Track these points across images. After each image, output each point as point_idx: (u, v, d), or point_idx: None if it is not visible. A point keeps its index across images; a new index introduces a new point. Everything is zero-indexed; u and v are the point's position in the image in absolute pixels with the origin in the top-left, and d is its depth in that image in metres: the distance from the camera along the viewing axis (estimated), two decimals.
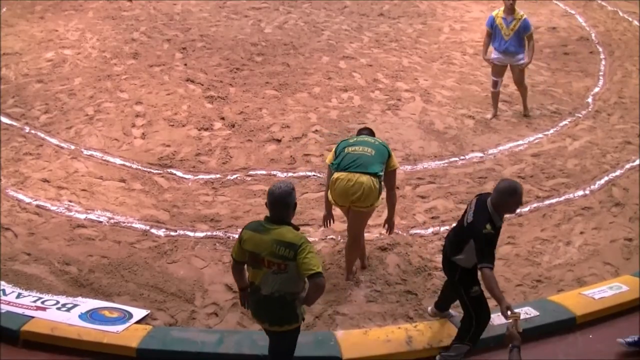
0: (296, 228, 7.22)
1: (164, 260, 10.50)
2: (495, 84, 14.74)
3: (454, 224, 9.27)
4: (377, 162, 9.70)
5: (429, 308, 9.66)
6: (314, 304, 7.68)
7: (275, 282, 7.12)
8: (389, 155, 9.90)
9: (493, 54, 14.47)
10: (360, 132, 10.49)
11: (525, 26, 14.18)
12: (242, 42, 17.90)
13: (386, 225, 10.29)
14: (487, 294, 8.17)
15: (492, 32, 14.34)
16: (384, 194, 9.86)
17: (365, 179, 9.48)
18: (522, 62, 14.35)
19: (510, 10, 14.08)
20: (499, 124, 14.52)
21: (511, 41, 14.10)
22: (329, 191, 9.83)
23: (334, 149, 10.04)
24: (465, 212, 8.43)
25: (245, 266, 7.47)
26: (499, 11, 14.29)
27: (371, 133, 10.44)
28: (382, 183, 9.73)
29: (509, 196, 8.10)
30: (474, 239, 8.05)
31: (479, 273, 8.06)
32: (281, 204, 7.18)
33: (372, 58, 17.35)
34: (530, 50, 14.32)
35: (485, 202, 8.20)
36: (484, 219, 8.05)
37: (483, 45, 14.77)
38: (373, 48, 18.00)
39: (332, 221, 10.36)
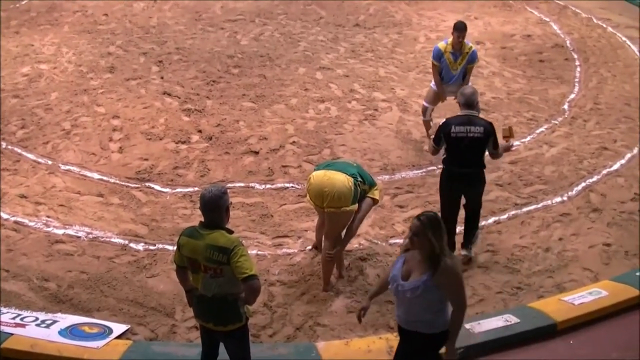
0: (229, 232, 7.21)
1: (144, 274, 10.47)
2: (425, 111, 13.98)
3: None
4: (356, 171, 9.81)
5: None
6: (255, 303, 7.65)
7: (214, 285, 7.13)
8: (371, 185, 10.07)
9: (437, 84, 13.80)
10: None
11: (472, 59, 13.63)
12: (219, 55, 17.90)
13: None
14: None
15: (439, 65, 13.63)
16: None
17: (340, 176, 9.59)
18: None
19: (458, 46, 13.43)
20: None
21: (460, 74, 13.59)
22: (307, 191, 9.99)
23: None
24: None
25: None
26: (446, 45, 13.56)
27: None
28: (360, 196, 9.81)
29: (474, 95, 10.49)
30: (492, 137, 10.36)
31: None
32: (213, 208, 7.16)
33: (349, 68, 17.40)
34: (467, 82, 13.65)
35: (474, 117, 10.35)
36: (481, 120, 10.43)
37: (435, 80, 13.85)
38: (349, 58, 18.05)
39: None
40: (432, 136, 10.84)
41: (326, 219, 9.92)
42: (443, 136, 10.36)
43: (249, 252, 7.17)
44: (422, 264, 6.90)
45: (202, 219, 7.25)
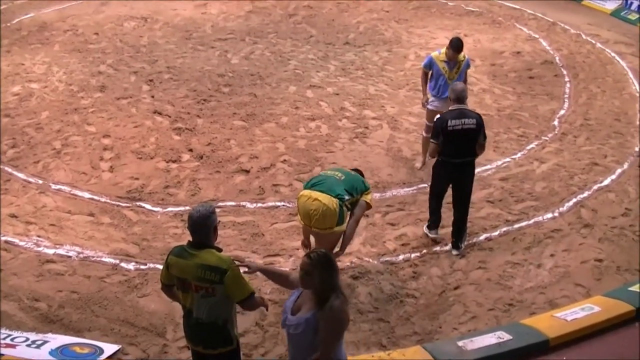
0: (219, 250, 7.22)
1: (135, 294, 10.43)
2: (428, 129, 13.28)
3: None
4: (343, 188, 9.80)
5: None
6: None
7: (205, 305, 7.11)
8: (364, 190, 10.08)
9: (432, 101, 13.72)
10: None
11: (467, 64, 13.70)
12: (209, 74, 17.92)
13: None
14: None
15: (431, 75, 13.64)
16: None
17: (325, 198, 9.61)
18: None
19: (454, 57, 13.38)
20: None
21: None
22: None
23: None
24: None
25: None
26: (440, 54, 13.53)
27: (359, 173, 10.57)
28: (349, 211, 9.83)
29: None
30: (483, 127, 11.14)
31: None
32: (201, 227, 7.16)
33: (339, 87, 17.42)
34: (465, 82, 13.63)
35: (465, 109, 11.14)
36: (473, 112, 11.27)
37: (422, 85, 14.04)
38: (339, 77, 18.08)
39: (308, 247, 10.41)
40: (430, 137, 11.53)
41: (314, 237, 10.02)
42: (441, 131, 11.04)
43: (241, 271, 7.17)
44: (311, 301, 6.67)
45: (191, 239, 7.24)
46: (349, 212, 9.94)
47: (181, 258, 7.18)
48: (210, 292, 7.02)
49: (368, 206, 10.31)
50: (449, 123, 10.96)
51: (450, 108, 11.28)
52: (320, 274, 6.54)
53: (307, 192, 9.76)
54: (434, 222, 11.90)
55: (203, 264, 7.00)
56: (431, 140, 11.31)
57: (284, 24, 21.97)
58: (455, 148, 11.09)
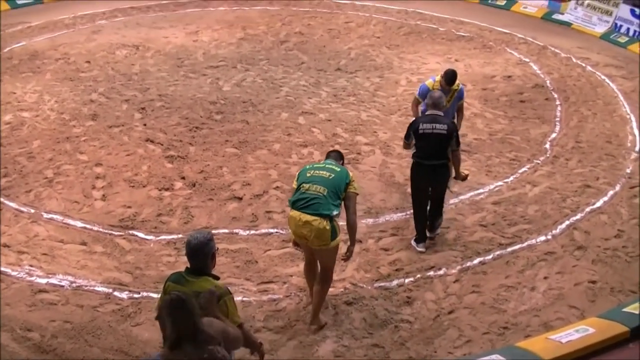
0: (216, 278, 7.24)
1: (128, 323, 10.39)
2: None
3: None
4: (330, 202, 9.75)
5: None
6: None
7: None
8: (349, 182, 10.00)
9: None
10: (328, 154, 10.66)
11: (460, 95, 13.88)
12: (201, 101, 17.94)
13: (347, 253, 10.23)
14: None
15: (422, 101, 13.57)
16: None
17: (315, 221, 9.61)
18: None
19: (446, 87, 13.49)
20: None
21: (448, 111, 13.42)
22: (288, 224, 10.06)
23: (297, 174, 10.27)
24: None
25: None
26: (434, 82, 13.67)
27: (338, 156, 10.60)
28: (337, 220, 9.87)
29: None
30: (455, 134, 11.75)
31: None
32: (198, 254, 7.20)
33: (331, 113, 17.46)
34: (460, 118, 14.09)
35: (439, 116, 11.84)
36: (446, 119, 11.99)
37: (413, 113, 14.14)
38: (331, 103, 18.11)
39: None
40: None
41: (314, 252, 10.06)
42: (412, 133, 11.97)
43: (234, 298, 7.17)
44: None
45: (188, 265, 7.24)
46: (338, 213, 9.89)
47: (178, 284, 7.20)
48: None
49: (356, 194, 10.21)
50: (421, 126, 11.83)
51: (425, 113, 12.18)
52: (169, 317, 6.32)
53: (296, 214, 9.74)
54: (420, 236, 12.36)
55: (198, 291, 6.99)
56: (403, 139, 12.41)
57: (275, 51, 22.04)
58: (426, 151, 11.82)
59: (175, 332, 6.24)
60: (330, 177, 9.95)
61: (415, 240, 12.39)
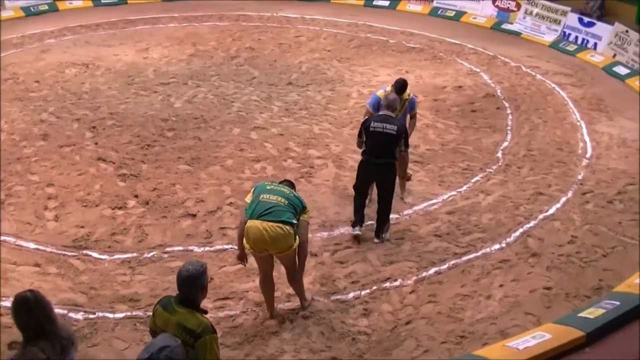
0: (203, 312, 7.20)
1: (84, 344, 10.25)
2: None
3: None
4: (290, 211, 9.89)
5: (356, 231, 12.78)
6: None
7: None
8: (303, 209, 10.13)
9: None
10: (280, 183, 10.69)
11: (412, 105, 13.98)
12: (153, 118, 17.86)
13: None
14: None
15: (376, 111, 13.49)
16: None
17: (278, 228, 9.71)
18: None
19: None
20: (412, 185, 14.63)
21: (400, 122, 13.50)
22: (244, 236, 10.01)
23: (251, 190, 10.31)
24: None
25: None
26: (385, 93, 13.58)
27: (291, 185, 10.64)
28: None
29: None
30: (404, 135, 12.24)
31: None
32: (188, 286, 7.19)
33: (283, 127, 17.46)
34: (411, 128, 14.13)
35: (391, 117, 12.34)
36: (397, 120, 12.41)
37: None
38: (283, 117, 18.12)
39: (246, 260, 10.54)
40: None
41: (279, 258, 10.17)
42: (363, 130, 12.42)
43: None
44: None
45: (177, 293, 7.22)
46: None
47: (165, 311, 7.20)
48: (185, 352, 6.94)
49: (308, 223, 10.41)
50: (372, 124, 12.31)
51: (379, 113, 12.61)
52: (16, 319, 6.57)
53: (257, 222, 9.77)
54: (357, 220, 12.85)
55: (181, 323, 7.00)
56: (357, 137, 12.79)
57: (226, 67, 22.02)
58: (375, 149, 12.32)
59: (21, 330, 6.44)
60: (290, 195, 10.13)
61: (352, 224, 12.90)
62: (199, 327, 6.99)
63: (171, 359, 6.25)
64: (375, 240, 12.76)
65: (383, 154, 12.29)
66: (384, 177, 12.53)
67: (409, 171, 13.49)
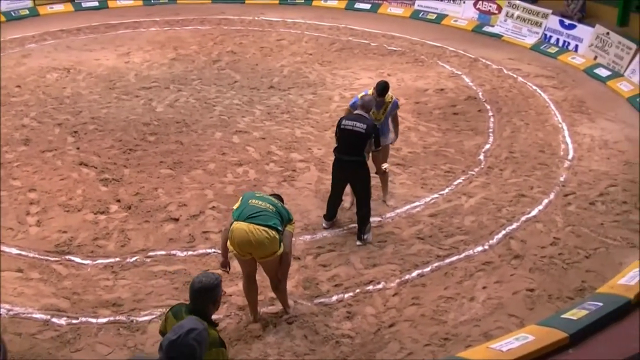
0: (214, 325, 7.18)
1: (67, 349, 10.26)
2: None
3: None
4: (277, 219, 9.96)
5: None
6: None
7: None
8: (289, 220, 10.22)
9: None
10: (271, 195, 10.74)
11: (394, 106, 13.92)
12: (134, 123, 17.82)
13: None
14: None
15: None
16: None
17: (264, 231, 9.75)
18: (391, 140, 14.21)
19: (379, 99, 13.57)
20: (394, 188, 14.65)
21: (383, 124, 13.74)
22: (228, 240, 10.04)
23: (240, 199, 10.34)
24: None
25: None
26: (366, 95, 13.43)
27: (280, 199, 10.63)
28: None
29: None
30: (374, 134, 12.40)
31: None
32: (200, 298, 7.14)
33: (265, 131, 17.45)
34: (396, 127, 14.21)
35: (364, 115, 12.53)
36: (369, 120, 12.50)
37: None
38: (265, 121, 18.10)
39: (229, 267, 10.59)
40: None
41: (262, 265, 10.18)
42: (337, 128, 12.65)
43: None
44: None
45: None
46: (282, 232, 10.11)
47: (175, 318, 7.18)
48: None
49: (292, 235, 10.46)
50: (343, 122, 12.58)
51: (354, 112, 12.79)
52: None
53: (244, 224, 9.82)
54: (327, 215, 13.38)
55: None
56: (335, 135, 12.88)
57: (207, 71, 21.98)
58: (344, 146, 12.55)
59: None
60: (277, 204, 10.23)
61: (323, 217, 13.41)
62: (209, 342, 6.95)
63: (198, 341, 6.24)
64: (357, 242, 12.83)
65: (352, 151, 12.46)
66: (355, 175, 12.68)
67: (384, 165, 13.49)
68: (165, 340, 6.18)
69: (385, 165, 13.50)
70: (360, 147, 12.42)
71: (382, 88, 13.53)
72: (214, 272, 7.68)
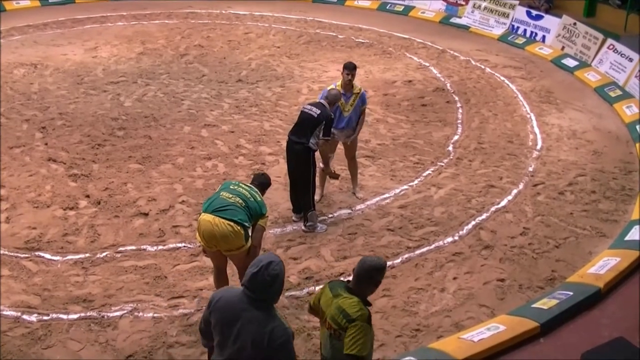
0: (369, 304, 7.42)
1: (39, 346, 10.19)
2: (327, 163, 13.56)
3: None
4: (245, 214, 9.98)
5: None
6: None
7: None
8: (261, 215, 10.23)
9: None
10: (254, 177, 11.03)
11: (363, 100, 13.81)
12: (103, 118, 17.73)
13: None
14: None
15: None
16: None
17: (228, 225, 9.80)
18: (354, 135, 14.00)
19: (348, 85, 13.51)
20: (364, 180, 14.68)
21: (350, 117, 13.62)
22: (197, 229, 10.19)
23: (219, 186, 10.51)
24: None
25: None
26: (336, 87, 13.52)
27: (263, 185, 10.90)
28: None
29: None
30: (324, 122, 12.54)
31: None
32: (365, 276, 7.36)
33: (234, 124, 17.42)
34: (361, 123, 13.98)
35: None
36: (326, 110, 12.72)
37: None
38: (234, 114, 18.08)
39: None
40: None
41: (229, 257, 10.27)
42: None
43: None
44: None
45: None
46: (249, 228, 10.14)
47: (331, 292, 7.52)
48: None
49: (264, 229, 10.52)
50: (304, 105, 13.15)
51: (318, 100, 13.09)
52: None
53: (210, 217, 9.88)
54: (294, 207, 13.49)
55: (341, 306, 7.28)
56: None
57: (175, 65, 21.91)
58: (296, 127, 12.84)
59: None
60: (249, 199, 10.20)
61: (292, 210, 13.51)
62: (356, 313, 7.11)
63: (277, 273, 6.74)
64: (303, 228, 13.15)
65: (299, 132, 12.63)
66: (297, 159, 12.72)
67: (337, 172, 13.83)
68: (248, 274, 6.63)
69: (338, 173, 13.81)
70: (308, 130, 12.56)
71: (349, 64, 13.50)
72: (382, 258, 7.88)
